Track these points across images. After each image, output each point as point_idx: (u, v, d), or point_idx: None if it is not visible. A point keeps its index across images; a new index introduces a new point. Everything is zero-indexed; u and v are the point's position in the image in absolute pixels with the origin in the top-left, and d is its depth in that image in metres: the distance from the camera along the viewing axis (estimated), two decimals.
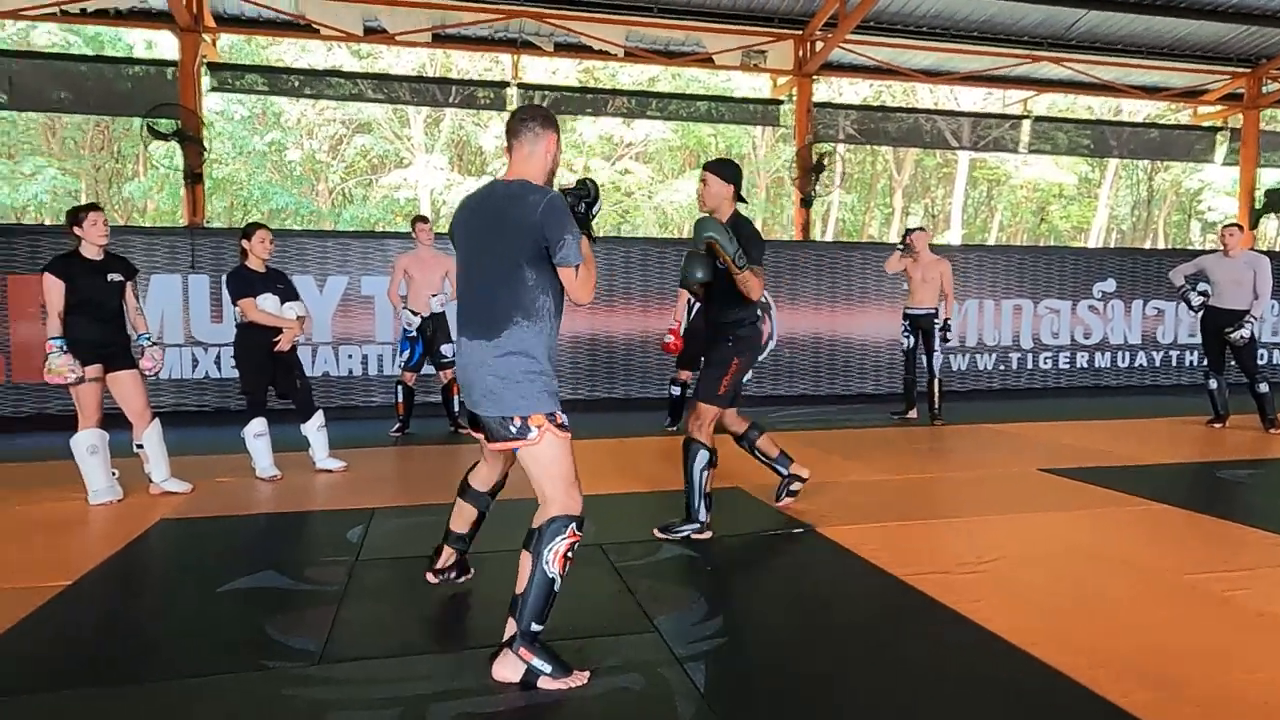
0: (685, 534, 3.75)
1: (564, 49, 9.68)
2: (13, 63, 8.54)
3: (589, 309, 8.48)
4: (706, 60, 9.76)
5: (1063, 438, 6.47)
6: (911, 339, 7.47)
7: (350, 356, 8.01)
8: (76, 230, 4.31)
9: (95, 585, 3.20)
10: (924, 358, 7.43)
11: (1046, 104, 19.13)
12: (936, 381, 7.39)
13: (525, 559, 2.41)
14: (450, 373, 6.58)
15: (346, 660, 2.50)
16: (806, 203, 9.90)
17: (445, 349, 6.54)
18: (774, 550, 3.67)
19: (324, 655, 2.52)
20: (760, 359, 9.05)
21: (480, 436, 2.58)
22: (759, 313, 3.88)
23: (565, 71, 18.42)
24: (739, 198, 3.73)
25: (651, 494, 4.62)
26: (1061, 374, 9.98)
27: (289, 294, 5.08)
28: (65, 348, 4.19)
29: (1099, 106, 20.85)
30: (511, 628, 2.38)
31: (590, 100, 11.19)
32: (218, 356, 7.65)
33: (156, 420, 4.61)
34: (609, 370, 8.56)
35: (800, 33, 9.48)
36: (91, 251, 4.35)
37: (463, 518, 3.03)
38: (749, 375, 4.15)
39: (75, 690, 2.32)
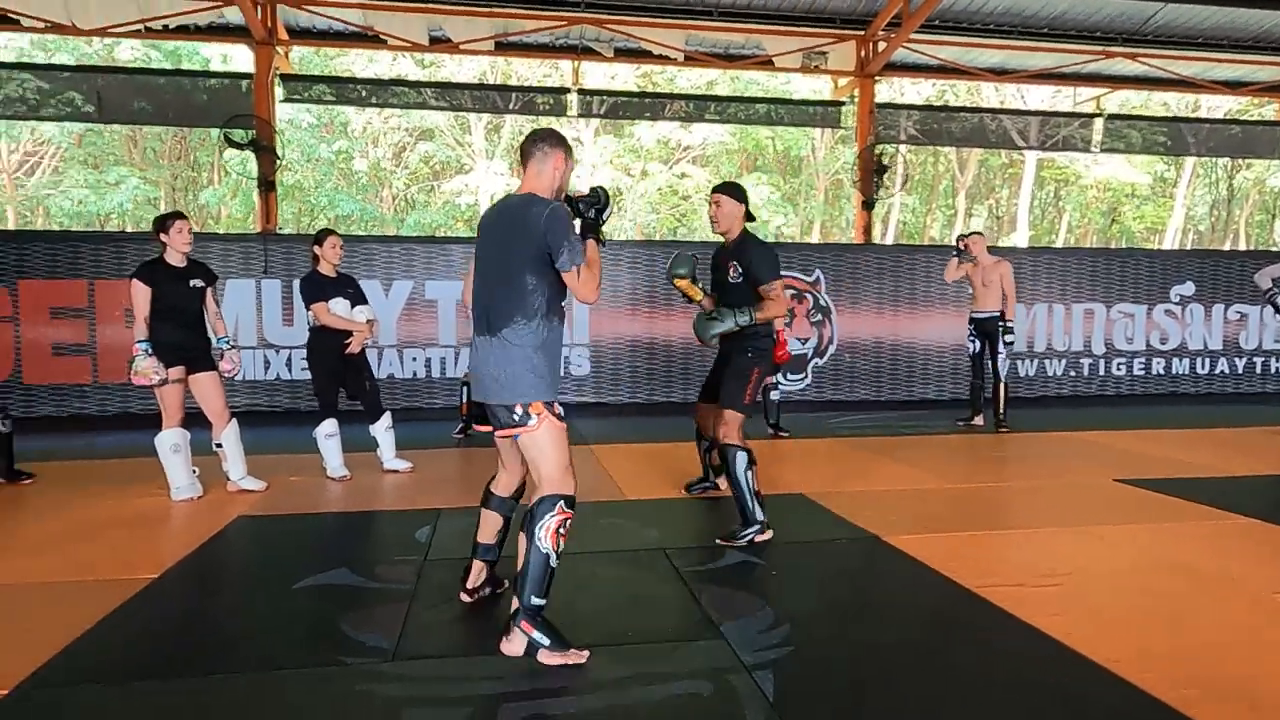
0: (749, 537, 3.75)
1: (624, 54, 9.73)
2: (99, 78, 8.97)
3: (651, 314, 8.51)
4: (767, 63, 9.70)
5: (1138, 447, 6.24)
6: (977, 344, 7.31)
7: (414, 359, 8.19)
8: (163, 237, 4.50)
9: (179, 579, 3.33)
10: (989, 362, 7.28)
11: (1119, 101, 18.49)
12: (1002, 386, 7.22)
13: (522, 539, 2.60)
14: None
15: (419, 658, 2.55)
16: (868, 205, 9.76)
17: None
18: (839, 559, 3.62)
19: (397, 652, 2.58)
20: (820, 364, 8.95)
21: (488, 429, 2.80)
22: (773, 327, 4.07)
23: (624, 76, 18.51)
24: (749, 216, 3.99)
25: (714, 499, 4.60)
26: (1136, 380, 9.62)
27: (359, 298, 5.21)
28: (150, 350, 4.37)
29: (1175, 102, 20.07)
30: (514, 604, 2.57)
31: (648, 105, 11.23)
32: (289, 358, 7.90)
33: (234, 420, 4.78)
34: (667, 374, 8.56)
35: (863, 33, 9.35)
36: (175, 258, 4.53)
37: (489, 528, 3.05)
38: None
39: (162, 681, 2.42)
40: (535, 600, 2.53)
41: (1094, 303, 9.50)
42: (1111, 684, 2.35)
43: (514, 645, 2.54)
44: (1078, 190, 23.70)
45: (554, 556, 2.56)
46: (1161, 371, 9.67)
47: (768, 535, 3.79)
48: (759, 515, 3.78)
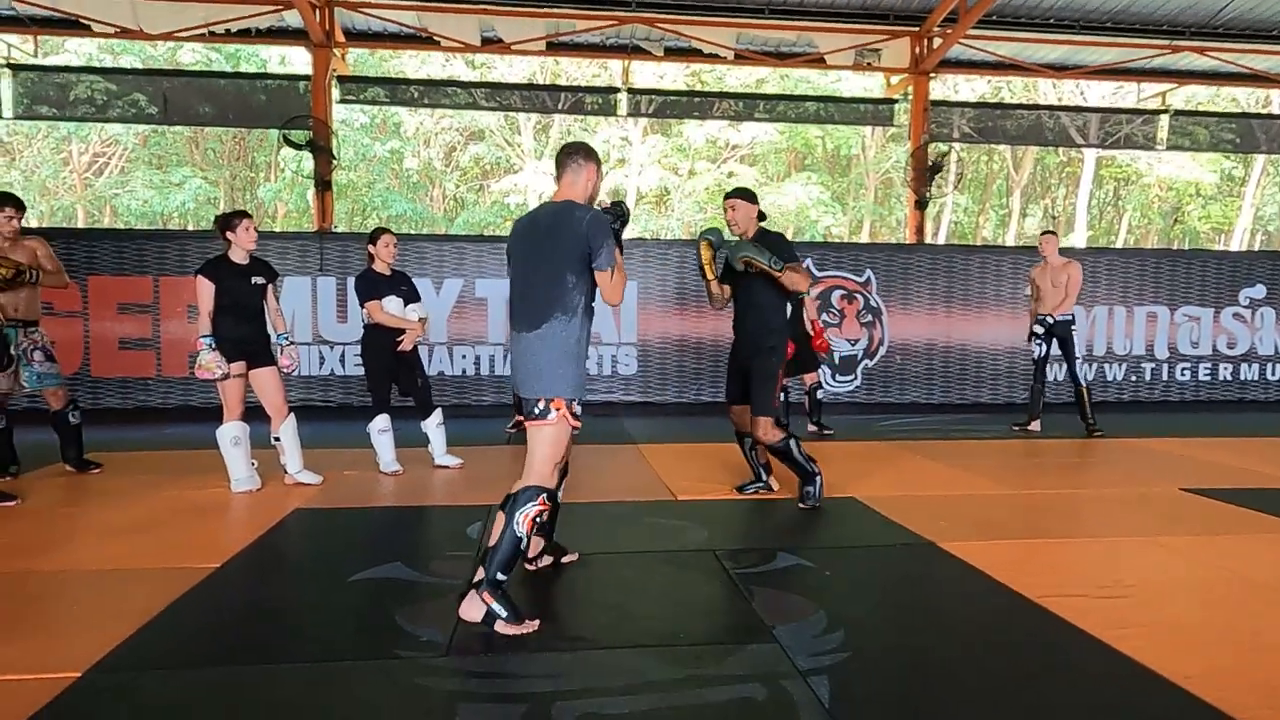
0: (818, 488, 4.30)
1: (674, 53, 9.71)
2: (164, 81, 9.26)
3: (699, 314, 8.47)
4: (818, 60, 9.58)
5: (1205, 455, 6.01)
6: (1044, 346, 7.11)
7: (464, 357, 8.28)
8: (228, 235, 4.61)
9: (239, 569, 3.41)
10: (1067, 368, 7.17)
11: (1185, 96, 17.88)
12: (1085, 390, 7.07)
13: (500, 518, 2.78)
14: None
15: (472, 654, 2.57)
16: (921, 204, 9.58)
17: None
18: (894, 564, 3.56)
19: (451, 647, 2.60)
20: (870, 365, 8.82)
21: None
22: (788, 323, 4.48)
23: (673, 75, 18.48)
24: (760, 216, 4.33)
25: (761, 500, 4.56)
26: (1201, 386, 9.29)
27: (412, 296, 5.28)
28: (214, 345, 4.48)
29: (1245, 98, 19.33)
30: (480, 574, 2.74)
31: (697, 104, 11.18)
32: (342, 355, 8.05)
33: (292, 415, 4.88)
34: (714, 373, 8.51)
35: (917, 29, 9.18)
36: (239, 256, 4.65)
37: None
38: None
39: (225, 669, 2.48)
40: (499, 575, 2.73)
41: (1157, 305, 9.19)
42: (1182, 701, 2.26)
43: (472, 611, 2.73)
44: (1139, 189, 22.97)
45: (526, 539, 2.78)
46: (1229, 377, 9.32)
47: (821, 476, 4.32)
48: (814, 468, 4.31)
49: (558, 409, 2.80)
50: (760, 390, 4.23)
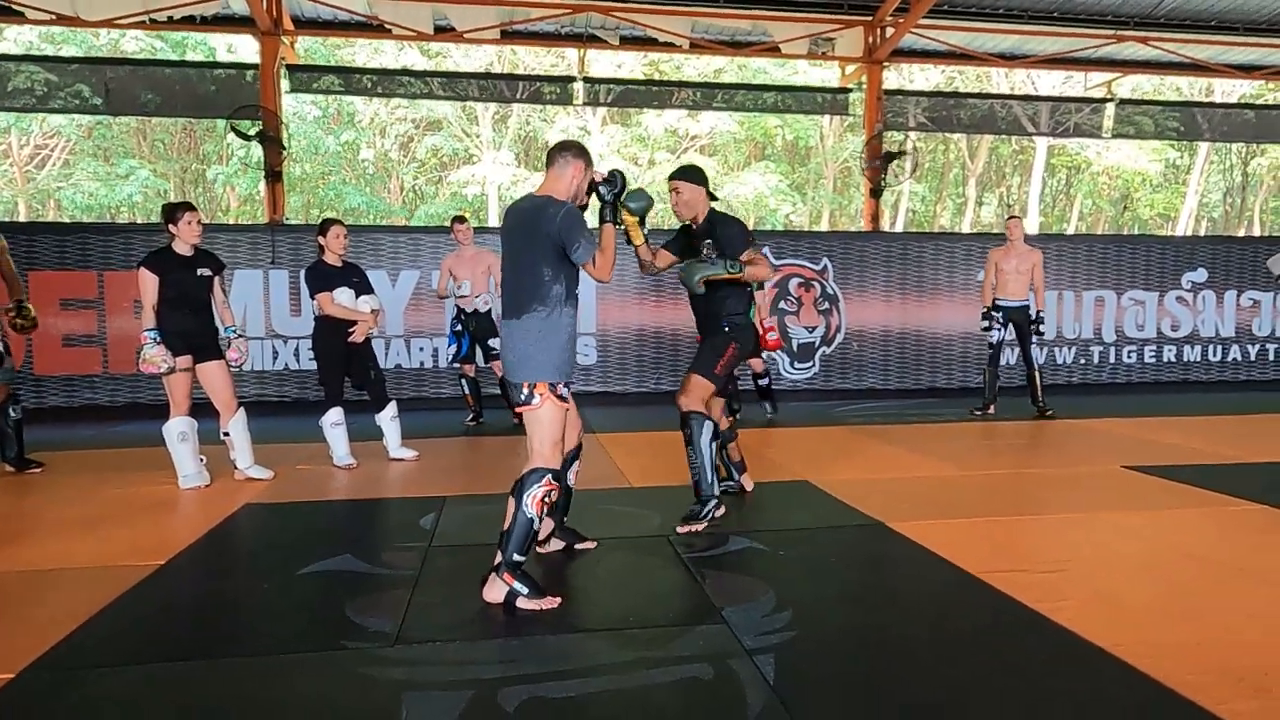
0: (709, 515, 3.73)
1: (630, 42, 9.68)
2: (107, 70, 8.99)
3: (658, 303, 8.49)
4: (773, 50, 9.64)
5: (1148, 434, 6.19)
6: (1001, 332, 7.25)
7: (421, 349, 8.20)
8: (172, 228, 4.52)
9: (186, 565, 3.35)
10: (1021, 351, 7.34)
11: (1131, 86, 18.31)
12: (1037, 373, 7.23)
13: (510, 502, 2.88)
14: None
15: (421, 642, 2.56)
16: (876, 193, 9.70)
17: (493, 342, 6.60)
18: (843, 544, 3.61)
19: (399, 637, 2.59)
20: (828, 352, 8.91)
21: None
22: (750, 306, 3.93)
23: (630, 65, 18.42)
24: (711, 196, 3.88)
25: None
26: (1147, 368, 9.56)
27: (364, 288, 5.22)
28: (159, 339, 4.39)
29: (1188, 87, 19.85)
30: (499, 557, 2.87)
31: (656, 93, 11.18)
32: (296, 349, 7.92)
33: (242, 409, 4.80)
34: (673, 363, 8.54)
35: (870, 19, 9.27)
36: (183, 248, 4.55)
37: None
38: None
39: (169, 664, 2.44)
40: (517, 556, 2.84)
41: (1104, 290, 9.43)
42: (1118, 670, 2.33)
43: (495, 593, 2.86)
44: (1089, 177, 23.50)
45: (537, 520, 2.86)
46: (1173, 359, 9.60)
47: (722, 510, 3.83)
48: (715, 489, 3.78)
49: (541, 393, 2.90)
50: (704, 353, 3.82)
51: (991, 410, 7.35)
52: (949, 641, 2.57)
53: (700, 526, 3.68)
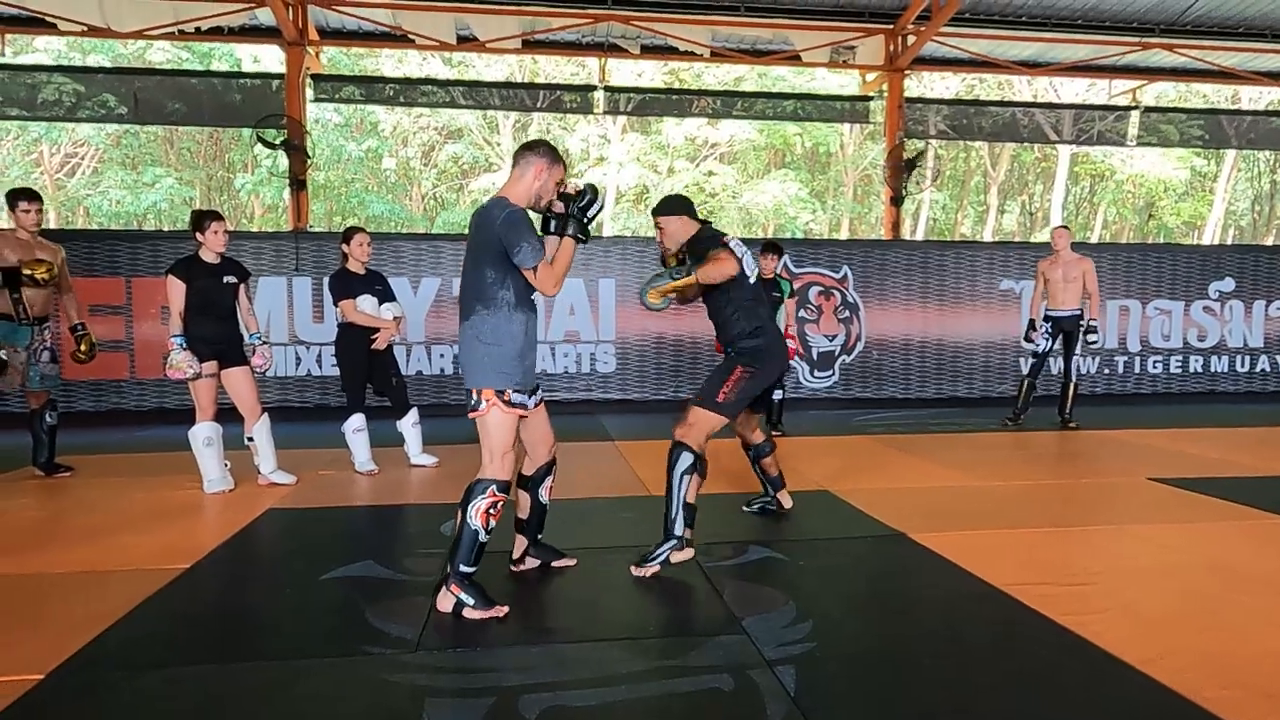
0: (662, 557, 3.28)
1: (650, 51, 9.72)
2: (135, 80, 9.15)
3: (677, 311, 8.46)
4: (794, 58, 9.63)
5: (1174, 445, 6.11)
6: (1048, 342, 7.18)
7: (442, 356, 8.25)
8: (199, 236, 4.58)
9: (211, 569, 3.39)
10: (1061, 361, 7.30)
11: (1156, 93, 18.12)
12: (1073, 385, 7.20)
13: (459, 513, 2.86)
14: None
15: (442, 649, 2.57)
16: (897, 201, 9.66)
17: None
18: (865, 556, 3.59)
19: (420, 643, 2.60)
20: (848, 361, 8.87)
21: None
22: (761, 328, 3.55)
23: (651, 74, 18.50)
24: (702, 221, 3.65)
25: (734, 495, 4.58)
26: (1173, 379, 9.43)
27: (386, 295, 5.26)
28: (185, 345, 4.45)
29: (1214, 94, 19.61)
30: (449, 568, 2.87)
31: (675, 102, 11.22)
32: (319, 355, 8.00)
33: (266, 415, 4.85)
34: (692, 371, 8.54)
35: (891, 27, 9.25)
36: (210, 256, 4.62)
37: (521, 504, 3.31)
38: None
39: (194, 667, 2.47)
40: (464, 568, 2.84)
41: (1129, 299, 9.32)
42: (1144, 684, 2.30)
43: (444, 603, 2.86)
44: (1113, 185, 23.25)
45: (483, 533, 2.84)
46: (1199, 369, 9.46)
47: (686, 555, 3.31)
48: (678, 529, 3.31)
49: (487, 399, 2.84)
50: (708, 380, 3.52)
51: (1022, 420, 7.26)
52: (972, 654, 2.55)
53: (649, 571, 3.25)
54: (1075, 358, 7.18)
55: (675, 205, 3.63)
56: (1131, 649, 2.50)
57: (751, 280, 3.57)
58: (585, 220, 2.98)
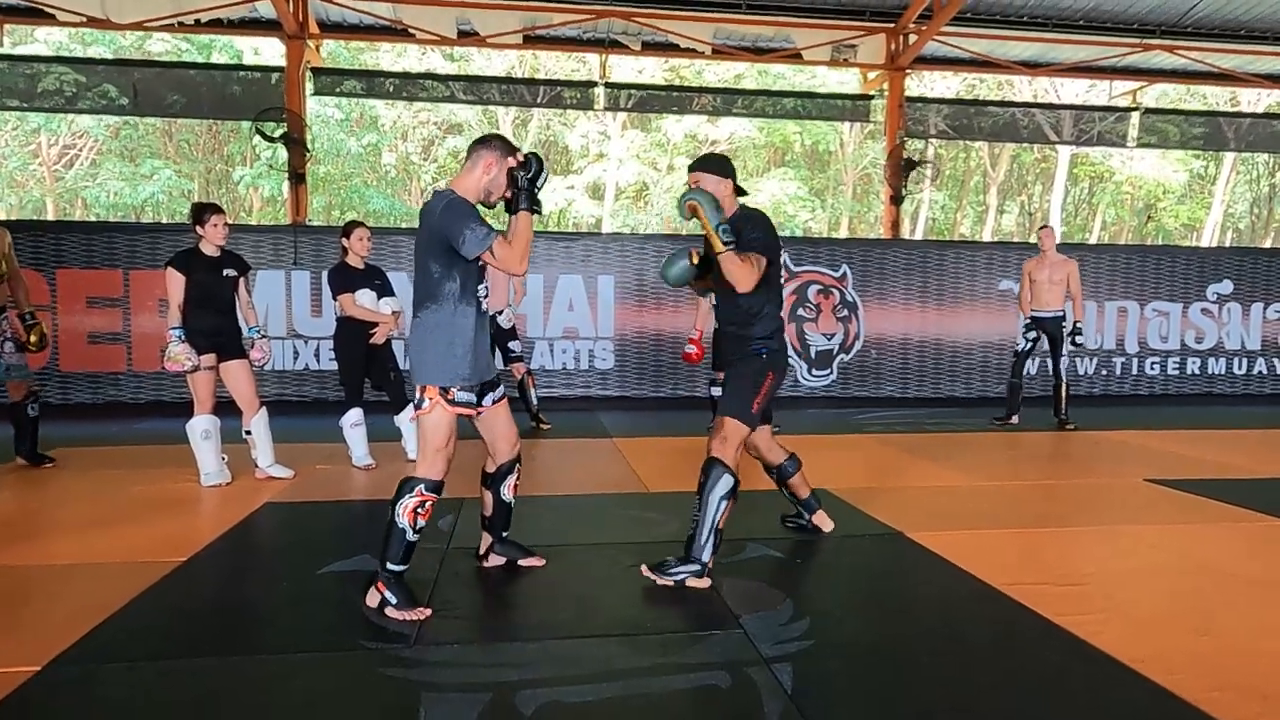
0: (681, 577, 3.09)
1: (651, 48, 9.70)
2: (135, 71, 9.12)
3: (675, 308, 8.49)
4: (795, 56, 9.62)
5: (1171, 447, 6.12)
6: (1029, 342, 7.19)
7: None
8: (199, 229, 4.57)
9: (208, 563, 3.38)
10: (1049, 362, 7.30)
11: (1156, 94, 18.13)
12: (1064, 385, 7.18)
13: (389, 510, 2.83)
14: (522, 367, 6.69)
15: (439, 644, 2.57)
16: (897, 200, 9.65)
17: (513, 345, 6.58)
18: (862, 554, 3.60)
19: (418, 638, 2.60)
20: (846, 360, 8.87)
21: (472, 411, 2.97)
22: (781, 327, 3.39)
23: (651, 70, 18.47)
24: (740, 190, 3.33)
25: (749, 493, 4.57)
26: (1170, 380, 9.44)
27: (385, 290, 5.25)
28: (183, 337, 4.44)
29: (1214, 96, 19.63)
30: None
31: (676, 99, 11.22)
32: (317, 349, 7.99)
33: (264, 408, 4.84)
34: (691, 368, 8.51)
35: (892, 26, 9.24)
36: (210, 249, 4.61)
37: (485, 502, 3.31)
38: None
39: (191, 660, 2.47)
40: (391, 566, 2.81)
41: (1127, 300, 9.33)
42: (1138, 684, 2.31)
43: (371, 599, 2.83)
44: (1113, 187, 23.27)
45: (410, 531, 2.80)
46: (1197, 371, 9.48)
47: (703, 584, 3.09)
48: (705, 556, 3.11)
49: (430, 397, 2.79)
50: (735, 386, 3.28)
51: (1014, 420, 7.27)
52: (968, 652, 2.55)
53: (662, 581, 3.10)
54: (1063, 358, 7.16)
55: (718, 165, 3.30)
56: (1126, 648, 2.51)
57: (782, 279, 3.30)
58: (534, 190, 2.86)
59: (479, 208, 2.86)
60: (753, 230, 3.18)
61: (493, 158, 2.83)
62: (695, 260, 3.34)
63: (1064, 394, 7.17)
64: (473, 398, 2.89)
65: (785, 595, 3.00)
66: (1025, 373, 7.35)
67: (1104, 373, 9.34)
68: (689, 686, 2.30)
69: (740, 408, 3.21)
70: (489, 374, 3.01)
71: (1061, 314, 7.07)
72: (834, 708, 2.20)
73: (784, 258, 3.30)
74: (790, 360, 8.61)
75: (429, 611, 2.77)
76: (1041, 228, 7.29)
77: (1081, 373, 9.29)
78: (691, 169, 3.32)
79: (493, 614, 2.90)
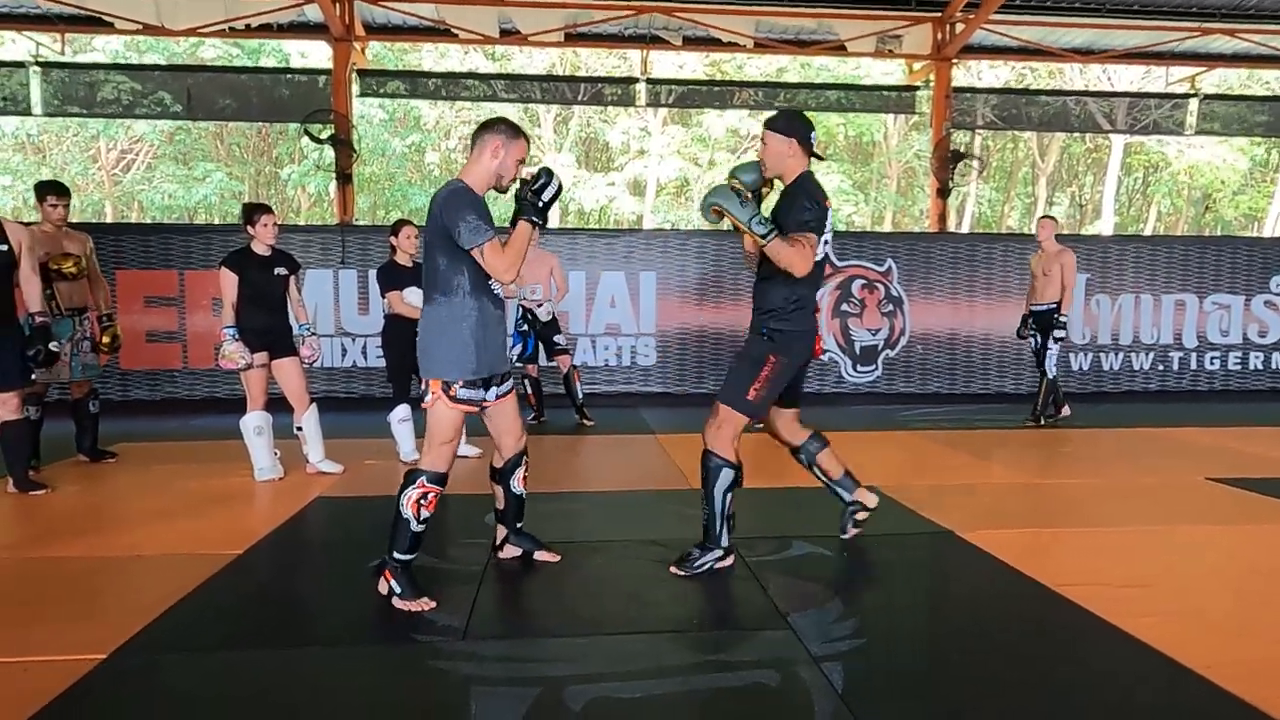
0: (707, 565, 3.17)
1: (693, 43, 9.66)
2: (188, 77, 9.36)
3: (718, 304, 8.45)
4: (839, 48, 9.50)
5: (1233, 444, 5.91)
6: (1038, 338, 6.93)
7: None
8: (250, 229, 4.67)
9: (263, 555, 3.46)
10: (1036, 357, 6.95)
11: (1215, 80, 17.51)
12: (1049, 382, 6.83)
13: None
14: (568, 360, 6.71)
15: (488, 638, 2.59)
16: (944, 193, 9.48)
17: (557, 338, 6.61)
18: (912, 553, 3.54)
19: (467, 632, 2.63)
20: (891, 355, 8.74)
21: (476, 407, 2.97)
22: (803, 307, 3.14)
23: (692, 65, 18.39)
24: (813, 154, 3.11)
25: (777, 489, 4.54)
26: (1231, 375, 9.13)
27: None
28: (237, 336, 4.55)
29: (1276, 81, 18.88)
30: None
31: (717, 94, 11.15)
32: (364, 346, 8.12)
33: (314, 405, 4.93)
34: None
35: (939, 15, 9.06)
36: (261, 248, 4.70)
37: (497, 496, 3.32)
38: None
39: (246, 652, 2.52)
40: (398, 555, 2.83)
41: (1185, 294, 9.04)
42: (1206, 690, 2.23)
43: (381, 587, 2.86)
44: (1169, 176, 22.55)
45: (415, 522, 2.82)
46: (1260, 366, 9.15)
47: (728, 562, 3.21)
48: (724, 540, 3.18)
49: (434, 391, 2.80)
50: (734, 371, 3.20)
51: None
52: (1024, 654, 2.49)
53: (692, 573, 3.14)
54: (1050, 353, 6.78)
55: (788, 123, 3.09)
56: (1192, 653, 2.42)
57: (818, 256, 3.09)
58: (540, 204, 2.83)
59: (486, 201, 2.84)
60: (805, 203, 3.02)
61: (498, 141, 2.79)
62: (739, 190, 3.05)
63: (1043, 391, 6.84)
64: (478, 393, 2.87)
65: (833, 594, 2.97)
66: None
67: (1160, 367, 9.06)
68: (738, 685, 2.29)
69: (734, 395, 3.13)
70: (500, 367, 2.98)
71: (1054, 306, 6.73)
72: (887, 708, 2.16)
73: (828, 240, 3.08)
74: (831, 350, 8.54)
75: (433, 604, 2.80)
76: (1040, 218, 7.04)
77: (1137, 368, 9.03)
78: (766, 125, 3.15)
79: (541, 609, 2.91)
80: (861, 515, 3.57)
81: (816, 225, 3.01)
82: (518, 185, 2.89)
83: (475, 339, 2.80)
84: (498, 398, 3.02)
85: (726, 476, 3.14)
